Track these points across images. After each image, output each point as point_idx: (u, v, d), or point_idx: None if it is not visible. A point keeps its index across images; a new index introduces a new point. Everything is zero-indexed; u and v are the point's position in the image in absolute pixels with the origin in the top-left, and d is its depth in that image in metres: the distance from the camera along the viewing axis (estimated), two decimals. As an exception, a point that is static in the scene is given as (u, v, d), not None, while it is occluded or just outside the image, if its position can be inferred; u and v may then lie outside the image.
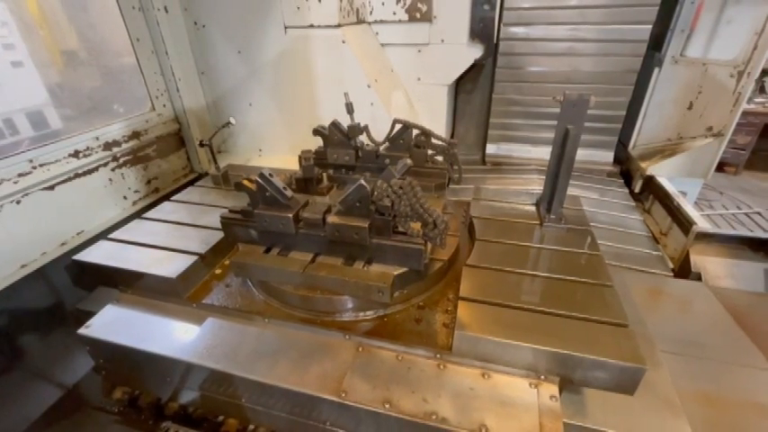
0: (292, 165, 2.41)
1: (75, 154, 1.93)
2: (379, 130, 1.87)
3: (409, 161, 1.25)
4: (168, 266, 1.50)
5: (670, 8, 2.66)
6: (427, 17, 2.38)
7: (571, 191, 1.66)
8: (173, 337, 1.38)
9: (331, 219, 1.28)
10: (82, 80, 2.91)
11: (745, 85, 2.57)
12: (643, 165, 2.90)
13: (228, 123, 2.19)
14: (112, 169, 2.11)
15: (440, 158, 1.83)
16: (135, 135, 2.25)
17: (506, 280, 1.38)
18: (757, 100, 5.04)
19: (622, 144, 3.14)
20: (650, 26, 2.57)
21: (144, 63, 2.34)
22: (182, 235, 1.72)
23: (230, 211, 1.48)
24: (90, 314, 1.81)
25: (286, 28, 2.30)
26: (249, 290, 1.53)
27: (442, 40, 2.44)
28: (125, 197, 2.20)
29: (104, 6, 2.33)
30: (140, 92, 2.39)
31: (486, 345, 1.17)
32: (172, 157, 2.59)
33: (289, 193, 1.34)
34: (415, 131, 1.79)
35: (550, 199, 1.68)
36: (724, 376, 1.55)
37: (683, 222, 2.33)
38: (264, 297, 1.48)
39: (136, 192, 2.28)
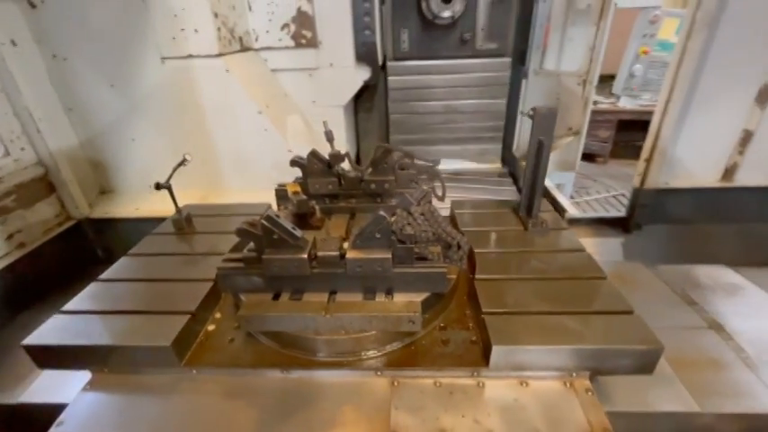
0: (191, 199, 2.31)
1: None
2: (277, 156, 1.87)
3: (425, 188, 1.26)
4: (157, 333, 1.30)
5: (527, 28, 3.08)
6: (313, 43, 2.46)
7: (468, 193, 1.80)
8: (181, 415, 1.20)
9: (351, 254, 1.24)
10: None
11: (589, 90, 3.09)
12: (525, 164, 3.29)
13: (184, 161, 1.99)
14: (-42, 227, 1.80)
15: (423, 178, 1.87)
16: None
17: (516, 288, 1.45)
18: (609, 101, 6.04)
19: (509, 147, 3.55)
20: (504, 100, 3.14)
21: (-10, 104, 2.03)
22: (158, 293, 1.51)
23: (226, 260, 1.35)
24: (37, 408, 1.51)
25: (163, 59, 2.23)
26: (257, 342, 1.39)
27: (331, 64, 2.54)
28: None
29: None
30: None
31: (521, 354, 1.22)
32: (39, 205, 2.31)
33: (298, 232, 1.26)
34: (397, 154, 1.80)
35: (529, 205, 1.82)
36: (675, 340, 1.80)
37: (559, 211, 2.69)
38: (277, 347, 1.36)
39: (-6, 250, 1.96)
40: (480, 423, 1.13)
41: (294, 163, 1.82)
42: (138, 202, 2.62)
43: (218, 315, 1.53)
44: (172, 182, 1.85)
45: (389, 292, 1.32)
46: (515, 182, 3.32)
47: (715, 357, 1.69)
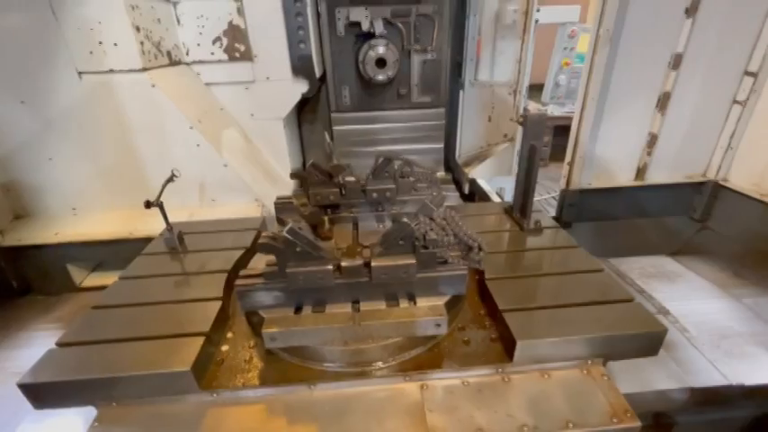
0: (120, 220, 2.25)
1: None
2: (211, 172, 1.89)
3: (445, 194, 1.31)
4: (173, 358, 1.24)
5: (462, 41, 3.31)
6: (248, 56, 2.47)
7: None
8: (209, 440, 1.14)
9: (375, 262, 1.25)
10: None
11: (519, 100, 3.32)
12: (466, 170, 3.51)
13: (172, 177, 1.90)
14: None
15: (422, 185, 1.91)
16: None
17: (525, 285, 1.53)
18: (544, 108, 6.59)
19: (452, 154, 3.74)
20: (441, 145, 3.44)
21: None
22: (164, 316, 1.44)
23: (243, 276, 1.31)
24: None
25: (80, 74, 2.14)
26: (277, 359, 1.36)
27: (268, 78, 2.56)
28: None
29: None
30: None
31: (542, 347, 1.28)
32: (-63, 234, 2.09)
33: (321, 244, 1.25)
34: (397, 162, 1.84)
35: (523, 207, 1.92)
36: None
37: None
38: (300, 362, 1.34)
39: None
40: (513, 417, 1.17)
41: (294, 175, 1.81)
42: (58, 226, 2.44)
43: (229, 335, 1.48)
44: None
45: (411, 298, 1.35)
46: (458, 187, 3.50)
47: (666, 339, 1.88)
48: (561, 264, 1.64)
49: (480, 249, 1.27)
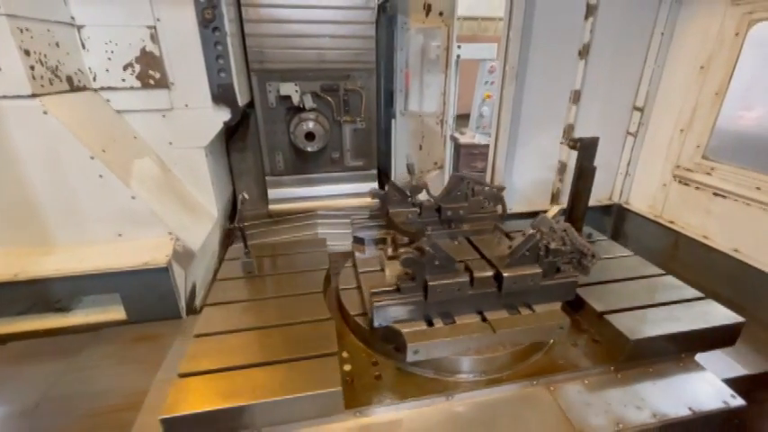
0: (8, 260, 1.99)
1: None
2: (117, 204, 1.81)
3: (563, 207, 1.44)
4: (320, 378, 1.22)
5: (392, 73, 3.48)
6: (163, 84, 2.39)
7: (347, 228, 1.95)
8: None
9: (507, 272, 1.34)
10: None
11: (446, 129, 3.58)
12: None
13: (243, 199, 1.88)
14: None
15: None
16: None
17: (607, 290, 1.68)
18: (476, 137, 7.17)
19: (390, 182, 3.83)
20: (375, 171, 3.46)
21: None
22: (282, 339, 1.40)
23: (375, 293, 1.33)
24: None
25: None
26: (407, 373, 1.38)
27: (186, 105, 2.48)
28: None
29: None
30: None
31: (648, 344, 1.43)
32: None
33: (454, 256, 1.33)
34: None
35: (576, 221, 2.12)
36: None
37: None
38: (432, 374, 1.37)
39: None
40: (642, 408, 1.29)
41: (374, 195, 1.87)
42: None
43: (345, 354, 1.47)
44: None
45: (528, 306, 1.44)
46: None
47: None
48: (627, 270, 1.83)
49: (593, 256, 1.41)
